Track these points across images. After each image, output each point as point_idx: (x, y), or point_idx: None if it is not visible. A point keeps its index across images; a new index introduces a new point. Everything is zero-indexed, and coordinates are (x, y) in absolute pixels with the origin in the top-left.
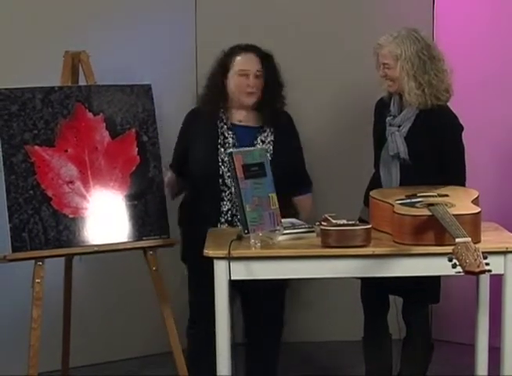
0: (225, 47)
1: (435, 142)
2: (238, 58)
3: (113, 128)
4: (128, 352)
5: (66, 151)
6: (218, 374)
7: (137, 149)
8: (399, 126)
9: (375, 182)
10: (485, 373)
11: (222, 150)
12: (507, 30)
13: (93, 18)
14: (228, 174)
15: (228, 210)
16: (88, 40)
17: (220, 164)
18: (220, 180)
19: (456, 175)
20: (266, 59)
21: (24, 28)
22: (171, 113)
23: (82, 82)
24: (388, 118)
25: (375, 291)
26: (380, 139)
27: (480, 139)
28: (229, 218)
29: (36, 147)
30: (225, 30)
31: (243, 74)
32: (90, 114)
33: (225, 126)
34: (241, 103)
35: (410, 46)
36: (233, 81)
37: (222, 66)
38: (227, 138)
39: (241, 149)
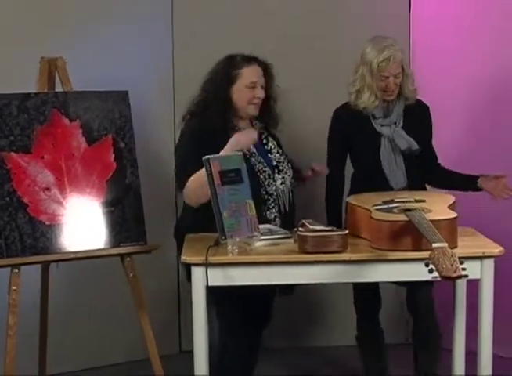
0: (203, 53)
1: (424, 128)
2: (245, 70)
3: (89, 135)
4: (105, 360)
5: (43, 158)
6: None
7: (114, 155)
8: (395, 123)
9: (359, 185)
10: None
11: (253, 160)
12: (483, 30)
13: (70, 24)
14: (266, 182)
15: (276, 217)
16: (64, 46)
17: (259, 173)
18: (262, 189)
19: (436, 156)
20: (267, 70)
21: (0, 34)
22: (148, 119)
23: (59, 88)
24: (377, 120)
25: (367, 289)
26: (369, 143)
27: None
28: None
29: (12, 154)
30: (202, 35)
31: (252, 86)
32: (66, 121)
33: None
34: (247, 113)
35: (401, 48)
36: (242, 93)
37: (229, 79)
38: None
39: (217, 155)
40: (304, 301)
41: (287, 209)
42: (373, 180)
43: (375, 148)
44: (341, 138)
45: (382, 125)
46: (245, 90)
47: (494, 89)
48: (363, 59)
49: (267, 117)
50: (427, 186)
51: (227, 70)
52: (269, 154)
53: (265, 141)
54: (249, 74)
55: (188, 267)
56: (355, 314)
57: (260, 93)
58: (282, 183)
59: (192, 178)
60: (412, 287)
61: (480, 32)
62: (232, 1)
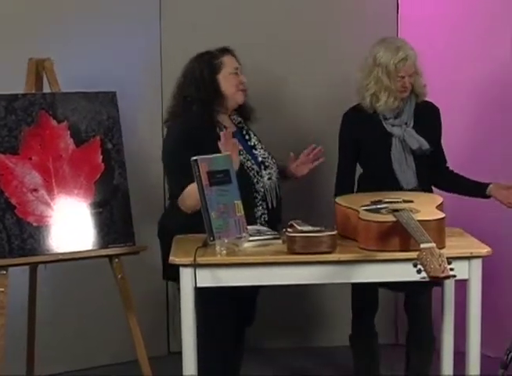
0: (191, 53)
1: (434, 130)
2: (225, 58)
3: (77, 136)
4: (93, 361)
5: (31, 159)
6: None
7: (102, 156)
8: (405, 123)
9: (368, 186)
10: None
11: (241, 157)
12: (470, 30)
13: (57, 25)
14: (255, 180)
15: (262, 215)
16: (52, 47)
17: (248, 171)
18: (252, 187)
19: (445, 158)
20: (239, 61)
21: None
22: (136, 120)
23: (46, 90)
24: (389, 121)
25: (366, 290)
26: (380, 144)
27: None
28: (263, 223)
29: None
30: (190, 37)
31: (236, 72)
32: (54, 122)
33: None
34: (235, 101)
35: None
36: (229, 80)
37: (212, 69)
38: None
39: (206, 156)
40: (303, 301)
41: (274, 205)
42: (383, 181)
43: (386, 148)
44: (352, 141)
45: (393, 126)
46: (231, 76)
47: (483, 90)
48: (377, 62)
49: (242, 110)
50: (434, 189)
51: (208, 62)
52: (254, 150)
53: (247, 137)
54: (230, 61)
55: (166, 265)
56: (350, 313)
57: (244, 78)
58: (269, 179)
59: (188, 190)
60: (412, 293)
61: (468, 33)
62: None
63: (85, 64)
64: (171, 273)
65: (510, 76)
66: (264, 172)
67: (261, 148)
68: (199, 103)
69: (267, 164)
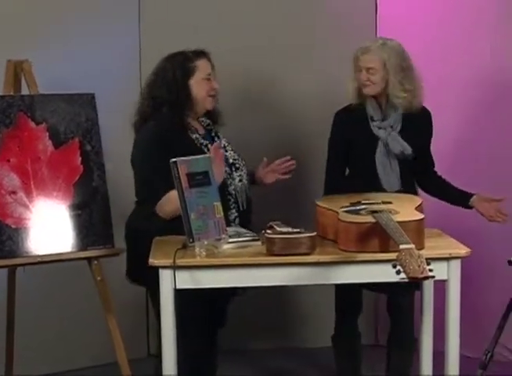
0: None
1: (422, 136)
2: (200, 62)
3: (56, 138)
4: (73, 363)
5: (9, 161)
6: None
7: (80, 158)
8: (391, 126)
9: (352, 187)
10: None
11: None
12: (453, 28)
13: (36, 27)
14: (228, 182)
15: (236, 217)
16: (30, 49)
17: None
18: (225, 189)
19: (433, 162)
20: (213, 65)
21: None
22: (115, 121)
23: (25, 91)
24: (375, 123)
25: (349, 291)
26: (366, 145)
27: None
28: (236, 226)
29: None
30: (169, 38)
31: (208, 77)
32: (33, 124)
33: (199, 135)
34: (204, 107)
35: (396, 53)
36: (201, 86)
37: (185, 72)
38: (207, 146)
39: (185, 158)
40: (285, 302)
41: (245, 207)
42: (366, 182)
43: (371, 151)
44: (342, 141)
45: (379, 128)
46: (203, 82)
47: (467, 88)
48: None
49: (210, 113)
50: (422, 193)
51: (181, 64)
52: (225, 152)
53: (216, 139)
54: (204, 66)
55: (131, 268)
56: (334, 315)
57: (216, 85)
58: (240, 181)
59: (168, 196)
60: (394, 294)
61: (450, 30)
62: (200, 1)
63: (64, 66)
64: (135, 275)
65: (492, 75)
66: (235, 174)
67: (231, 150)
68: (169, 106)
69: (237, 165)
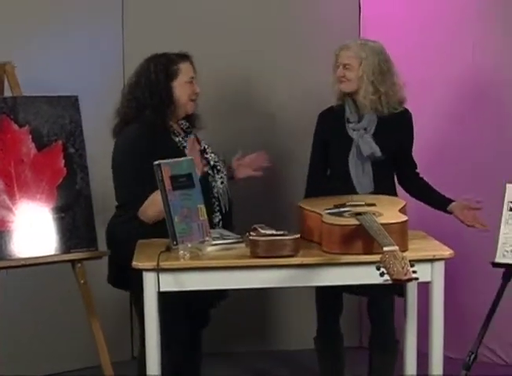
0: None
1: (399, 138)
2: (183, 65)
3: (39, 140)
4: (57, 366)
5: None
6: None
7: (64, 161)
8: (365, 129)
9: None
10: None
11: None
12: (436, 29)
13: (19, 29)
14: (213, 185)
15: (220, 220)
16: (13, 51)
17: (207, 176)
18: (209, 192)
19: (414, 164)
20: (195, 68)
21: None
22: (98, 124)
23: (8, 94)
24: (350, 125)
25: (330, 292)
26: (341, 146)
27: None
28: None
29: None
30: (153, 39)
31: (191, 81)
32: (16, 126)
33: (181, 138)
34: (185, 111)
35: (375, 54)
36: (183, 89)
37: (168, 75)
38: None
39: (168, 160)
40: (267, 304)
41: (227, 209)
42: (341, 183)
43: (346, 152)
44: (321, 141)
45: (354, 130)
46: (186, 85)
47: (449, 88)
48: None
49: (189, 117)
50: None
51: (165, 66)
52: (205, 154)
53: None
54: (187, 69)
55: (113, 272)
56: (315, 317)
57: (198, 89)
58: (221, 183)
59: (151, 199)
60: (374, 297)
61: (432, 31)
62: (183, 3)
63: (47, 68)
64: (117, 280)
65: (474, 75)
66: (217, 177)
67: (212, 152)
68: (152, 108)
69: (218, 167)
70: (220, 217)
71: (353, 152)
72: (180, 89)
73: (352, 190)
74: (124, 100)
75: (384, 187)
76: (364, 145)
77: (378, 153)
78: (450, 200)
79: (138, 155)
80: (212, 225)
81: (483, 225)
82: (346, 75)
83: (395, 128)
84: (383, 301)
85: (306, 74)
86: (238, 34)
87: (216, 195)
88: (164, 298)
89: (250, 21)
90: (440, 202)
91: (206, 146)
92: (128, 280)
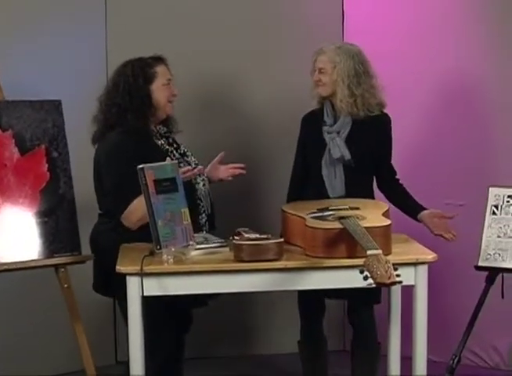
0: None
1: (372, 142)
2: (159, 68)
3: (22, 145)
4: (40, 371)
5: None
6: None
7: (47, 165)
8: (338, 132)
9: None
10: None
11: (182, 165)
12: (420, 30)
13: (2, 32)
14: (196, 186)
15: (206, 221)
16: None
17: (190, 179)
18: (194, 194)
19: (393, 170)
20: (170, 71)
21: None
22: (82, 128)
23: None
24: (325, 127)
25: (312, 295)
26: (316, 149)
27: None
28: (208, 231)
29: None
30: (135, 44)
31: (168, 83)
32: None
33: (165, 140)
34: (165, 113)
35: (349, 57)
36: (161, 91)
37: (146, 78)
38: (173, 152)
39: (152, 164)
40: (250, 308)
41: (209, 210)
42: (314, 186)
43: (320, 155)
44: (302, 143)
45: (328, 133)
46: (163, 88)
47: (431, 92)
48: None
49: (167, 121)
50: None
51: (142, 70)
52: (186, 158)
53: (175, 145)
54: (164, 72)
55: (98, 279)
56: (298, 321)
57: (175, 90)
58: (203, 185)
59: (134, 205)
60: (354, 301)
61: (417, 32)
62: (166, 5)
63: (30, 72)
64: (102, 287)
65: (456, 79)
66: (199, 179)
67: (191, 155)
68: (133, 112)
69: None
70: (206, 218)
71: (326, 155)
72: (159, 92)
73: (325, 194)
74: (102, 107)
75: (357, 192)
76: (334, 148)
77: (348, 156)
78: (422, 209)
79: (124, 159)
80: (199, 227)
81: (452, 234)
82: (321, 79)
83: (370, 131)
84: (363, 304)
85: (289, 75)
86: (220, 35)
87: (200, 197)
88: (147, 302)
89: (232, 22)
90: (412, 209)
91: (185, 150)
92: (113, 286)
